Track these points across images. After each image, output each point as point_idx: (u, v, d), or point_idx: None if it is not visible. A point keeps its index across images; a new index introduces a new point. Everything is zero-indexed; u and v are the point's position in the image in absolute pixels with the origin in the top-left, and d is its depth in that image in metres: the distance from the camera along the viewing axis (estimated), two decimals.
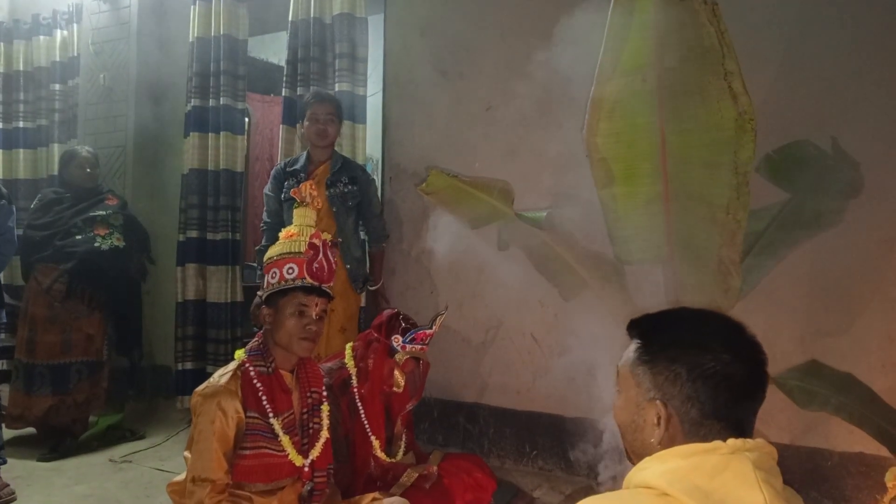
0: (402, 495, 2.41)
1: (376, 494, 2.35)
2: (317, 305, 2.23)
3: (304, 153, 3.68)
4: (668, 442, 1.11)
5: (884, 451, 2.54)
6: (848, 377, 2.46)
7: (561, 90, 3.28)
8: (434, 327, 2.69)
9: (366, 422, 2.60)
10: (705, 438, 1.08)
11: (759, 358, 1.14)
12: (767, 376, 1.14)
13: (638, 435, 1.16)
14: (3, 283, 3.92)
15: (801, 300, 2.98)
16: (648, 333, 1.19)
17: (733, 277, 2.30)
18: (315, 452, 2.25)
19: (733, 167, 2.17)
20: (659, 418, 1.11)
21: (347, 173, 3.58)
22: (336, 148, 3.75)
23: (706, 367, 1.09)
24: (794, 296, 2.98)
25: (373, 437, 2.60)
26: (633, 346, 1.20)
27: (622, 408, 1.20)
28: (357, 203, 3.58)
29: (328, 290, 2.28)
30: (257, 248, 3.68)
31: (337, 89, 3.98)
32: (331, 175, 3.54)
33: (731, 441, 1.05)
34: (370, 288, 3.70)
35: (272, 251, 2.28)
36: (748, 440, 1.06)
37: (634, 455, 1.17)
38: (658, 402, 1.12)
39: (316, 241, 2.26)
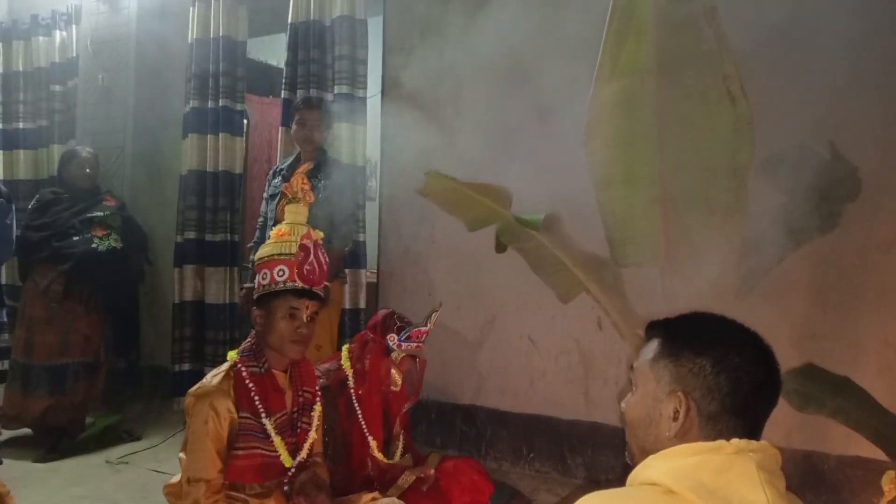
0: (399, 497, 2.41)
1: (375, 494, 2.34)
2: (308, 308, 2.23)
3: (297, 153, 3.77)
4: (682, 435, 1.12)
5: (881, 455, 2.54)
6: (845, 381, 2.46)
7: (560, 92, 3.29)
8: (429, 324, 2.70)
9: (363, 422, 2.60)
10: (719, 434, 1.09)
11: (776, 365, 1.16)
12: (781, 383, 1.16)
13: (651, 430, 1.16)
14: (1, 283, 3.92)
15: (799, 303, 2.98)
16: (672, 330, 1.21)
17: (731, 281, 2.31)
18: (303, 454, 2.24)
19: (731, 170, 2.18)
20: (677, 412, 1.12)
21: (326, 169, 3.57)
22: (335, 149, 3.79)
23: (731, 362, 1.11)
24: (791, 299, 2.98)
25: (370, 438, 2.60)
26: (655, 343, 1.21)
27: (637, 403, 1.20)
28: (328, 197, 3.46)
29: (319, 293, 2.28)
30: (249, 244, 3.76)
31: (336, 91, 3.99)
32: (312, 171, 3.56)
33: (735, 441, 1.06)
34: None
35: (262, 251, 2.27)
36: (752, 441, 1.07)
37: (641, 452, 1.17)
38: (679, 393, 1.12)
39: (307, 242, 2.24)
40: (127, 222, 4.28)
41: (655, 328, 1.24)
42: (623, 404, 1.26)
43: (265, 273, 2.22)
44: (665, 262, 2.40)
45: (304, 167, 3.60)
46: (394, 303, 3.90)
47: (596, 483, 3.38)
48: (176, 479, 2.24)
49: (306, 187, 2.33)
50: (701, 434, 1.11)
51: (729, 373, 1.11)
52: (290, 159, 3.78)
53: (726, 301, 2.32)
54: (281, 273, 2.19)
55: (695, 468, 1.04)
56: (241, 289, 4.01)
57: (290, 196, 2.33)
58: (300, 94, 4.11)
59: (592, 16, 2.43)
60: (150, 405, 4.72)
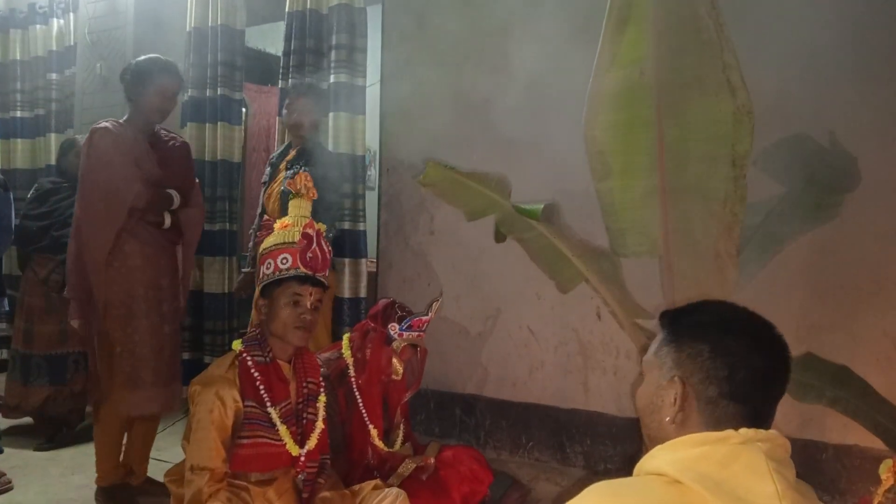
0: (398, 486, 2.42)
1: (378, 482, 2.36)
2: (311, 295, 2.24)
3: (288, 142, 3.75)
4: (682, 421, 1.12)
5: (878, 444, 2.55)
6: (844, 370, 2.47)
7: (559, 82, 3.29)
8: (430, 314, 2.71)
9: (364, 411, 2.61)
10: (720, 420, 1.09)
11: (782, 352, 1.15)
12: (789, 372, 1.15)
13: (655, 416, 1.17)
14: (1, 272, 3.91)
15: (798, 294, 2.99)
16: (677, 317, 1.22)
17: (730, 271, 2.31)
18: (311, 443, 2.26)
19: (731, 160, 2.17)
20: (675, 397, 1.12)
21: (307, 156, 3.53)
22: (334, 138, 3.78)
23: (728, 346, 1.11)
24: (790, 289, 2.99)
25: (371, 427, 2.61)
26: (662, 332, 1.22)
27: (643, 391, 1.22)
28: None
29: (322, 280, 2.29)
30: (250, 231, 3.79)
31: (334, 80, 3.96)
32: (293, 158, 3.55)
33: (742, 430, 1.06)
34: None
35: (267, 242, 2.30)
36: (760, 430, 1.07)
37: (650, 440, 1.18)
38: (677, 378, 1.13)
39: (309, 230, 2.27)
40: None
41: (664, 317, 1.25)
42: (636, 395, 1.27)
43: (269, 263, 2.25)
44: (664, 252, 2.40)
45: (291, 155, 3.59)
46: (393, 292, 3.90)
47: (594, 472, 3.40)
48: (177, 465, 2.27)
49: (309, 184, 2.37)
50: (700, 419, 1.11)
51: (726, 357, 1.11)
52: (282, 147, 3.78)
53: (725, 291, 2.33)
54: (284, 261, 2.22)
55: (700, 459, 1.03)
56: (240, 273, 4.03)
57: (293, 192, 2.37)
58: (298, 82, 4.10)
59: (592, 5, 2.42)
60: None
